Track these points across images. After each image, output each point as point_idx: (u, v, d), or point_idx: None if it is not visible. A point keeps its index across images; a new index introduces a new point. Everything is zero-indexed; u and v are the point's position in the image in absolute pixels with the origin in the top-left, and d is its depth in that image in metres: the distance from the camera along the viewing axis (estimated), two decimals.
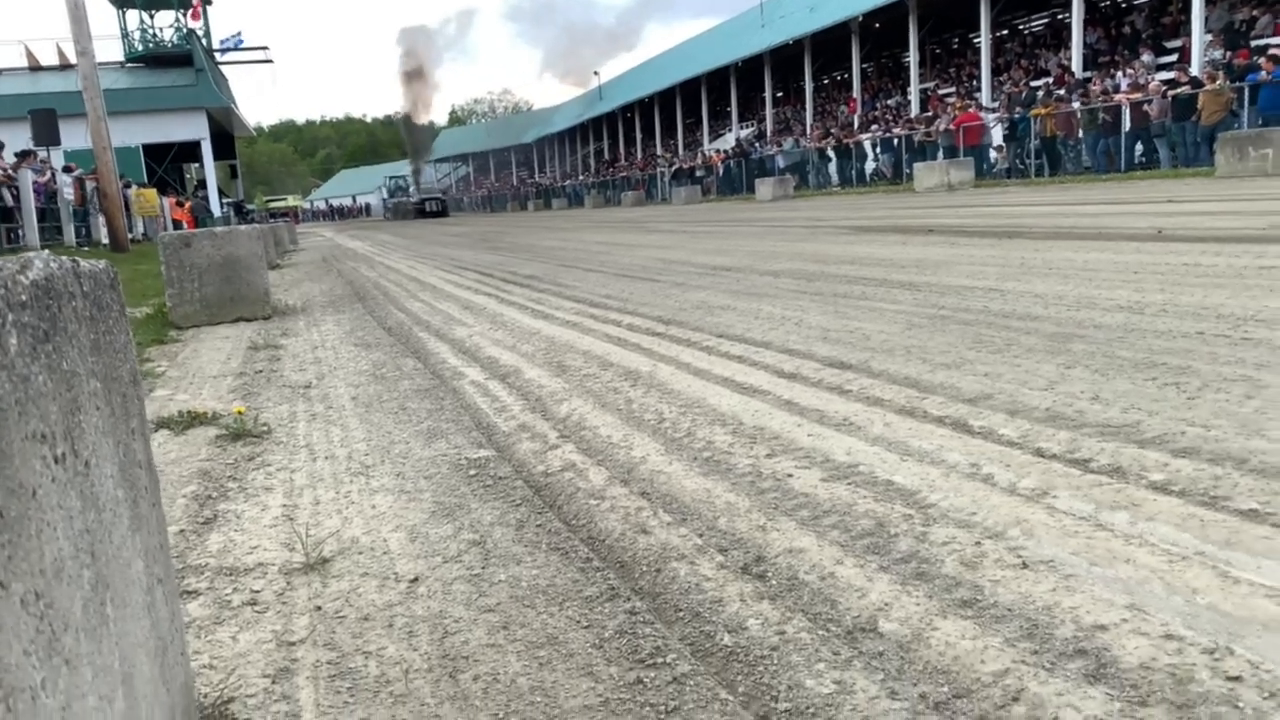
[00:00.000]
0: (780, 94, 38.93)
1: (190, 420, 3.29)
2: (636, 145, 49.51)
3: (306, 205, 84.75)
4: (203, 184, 39.60)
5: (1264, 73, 15.11)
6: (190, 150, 38.25)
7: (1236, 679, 1.14)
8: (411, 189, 60.54)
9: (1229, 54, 17.33)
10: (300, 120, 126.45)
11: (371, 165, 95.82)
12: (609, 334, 4.48)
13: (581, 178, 51.27)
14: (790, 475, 2.12)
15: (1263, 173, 11.99)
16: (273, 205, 67.58)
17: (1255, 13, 20.19)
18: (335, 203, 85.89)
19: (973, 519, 1.74)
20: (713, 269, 7.20)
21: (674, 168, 37.70)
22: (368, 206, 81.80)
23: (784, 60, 34.43)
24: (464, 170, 77.51)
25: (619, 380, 3.38)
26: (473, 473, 2.51)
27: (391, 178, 66.54)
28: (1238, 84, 15.23)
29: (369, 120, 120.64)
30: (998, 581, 1.48)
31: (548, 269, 8.78)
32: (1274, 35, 18.46)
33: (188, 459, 2.83)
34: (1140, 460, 1.93)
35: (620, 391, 3.20)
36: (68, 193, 17.92)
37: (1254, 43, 18.19)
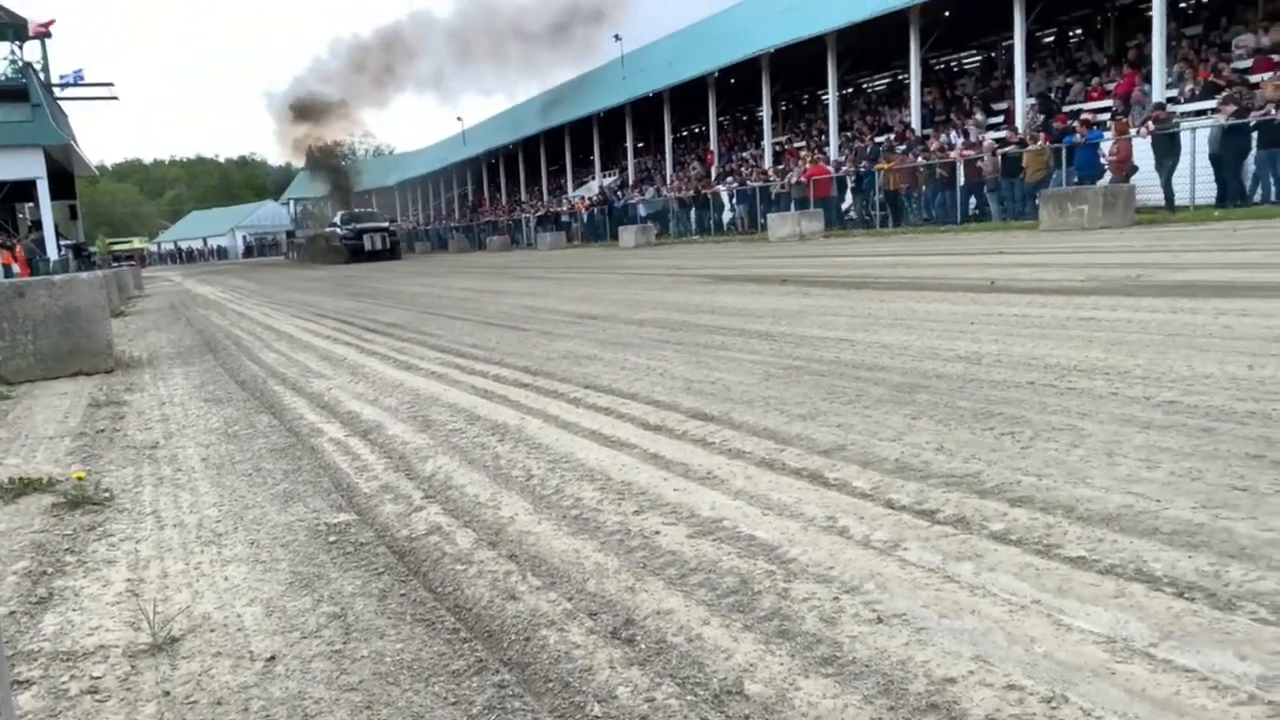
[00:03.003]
0: (641, 144, 39.78)
1: (22, 487, 3.05)
2: (501, 190, 49.45)
3: (153, 248, 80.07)
4: (38, 225, 36.87)
5: (1078, 135, 16.55)
6: (24, 190, 35.60)
7: None
8: (337, 218, 37.74)
9: (1046, 118, 18.90)
10: (148, 159, 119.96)
11: (225, 206, 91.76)
12: (475, 385, 4.44)
13: (446, 222, 50.64)
14: (658, 532, 2.15)
15: (1080, 227, 13.07)
16: (116, 248, 63.08)
17: (1069, 81, 22.14)
18: (185, 245, 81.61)
19: (831, 573, 1.81)
20: (579, 317, 7.25)
21: (539, 213, 37.86)
22: (220, 249, 78.04)
23: (645, 111, 35.27)
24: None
25: (486, 435, 3.36)
26: (332, 539, 2.42)
27: (299, 200, 50.61)
28: (1056, 145, 16.61)
29: (222, 160, 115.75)
30: (855, 637, 1.54)
31: (411, 316, 8.63)
32: (1085, 101, 20.27)
33: (19, 531, 2.62)
34: (981, 510, 2.07)
35: (487, 447, 3.17)
36: None
37: (1068, 108, 19.91)
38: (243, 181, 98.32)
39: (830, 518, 2.12)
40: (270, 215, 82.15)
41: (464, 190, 53.57)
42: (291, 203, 49.96)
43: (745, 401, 3.48)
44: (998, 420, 2.84)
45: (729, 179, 28.65)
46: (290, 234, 48.52)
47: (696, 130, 37.09)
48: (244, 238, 79.80)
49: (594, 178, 40.38)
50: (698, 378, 4.08)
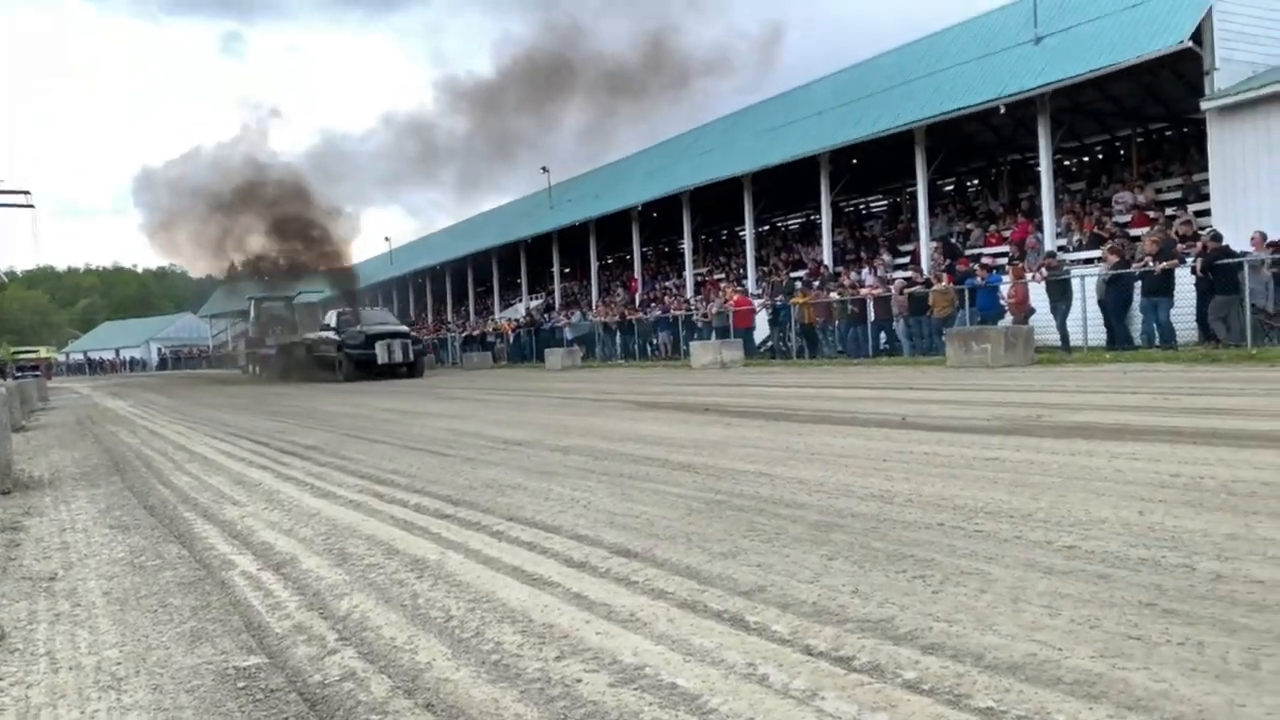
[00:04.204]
0: (568, 269, 40.62)
1: None
2: (427, 309, 49.55)
3: (61, 358, 76.95)
4: None
5: (979, 278, 17.54)
6: None
7: None
8: (330, 319, 28.11)
9: (949, 260, 20.03)
10: (61, 267, 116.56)
11: (140, 318, 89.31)
12: (395, 516, 4.38)
13: None
14: (579, 680, 2.15)
15: (984, 365, 13.71)
16: (21, 357, 60.30)
17: (969, 226, 23.61)
18: (95, 356, 78.80)
19: None
20: (504, 443, 7.23)
21: (465, 334, 37.90)
22: (133, 361, 75.47)
23: (571, 239, 36.17)
24: (242, 326, 73.14)
25: (405, 571, 3.31)
26: (241, 684, 2.34)
27: (264, 299, 36.86)
28: (959, 286, 17.55)
29: (140, 270, 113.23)
30: None
31: (331, 439, 8.48)
32: (985, 246, 21.59)
33: None
34: (895, 658, 2.13)
35: (406, 584, 3.13)
36: None
37: (970, 251, 21.17)
38: (161, 293, 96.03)
39: (750, 664, 2.16)
40: (188, 328, 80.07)
41: (389, 308, 53.44)
42: (252, 302, 38.03)
43: (668, 537, 3.52)
44: (910, 563, 2.94)
45: (652, 305, 29.33)
46: (251, 340, 36.88)
47: (623, 258, 38.07)
48: (159, 350, 77.49)
49: (521, 300, 40.86)
50: (622, 511, 4.11)
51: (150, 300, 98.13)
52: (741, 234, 30.33)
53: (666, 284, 33.62)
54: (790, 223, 33.30)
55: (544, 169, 37.37)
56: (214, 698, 2.26)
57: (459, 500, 4.67)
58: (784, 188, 27.31)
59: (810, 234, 30.09)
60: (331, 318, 27.45)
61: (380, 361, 24.24)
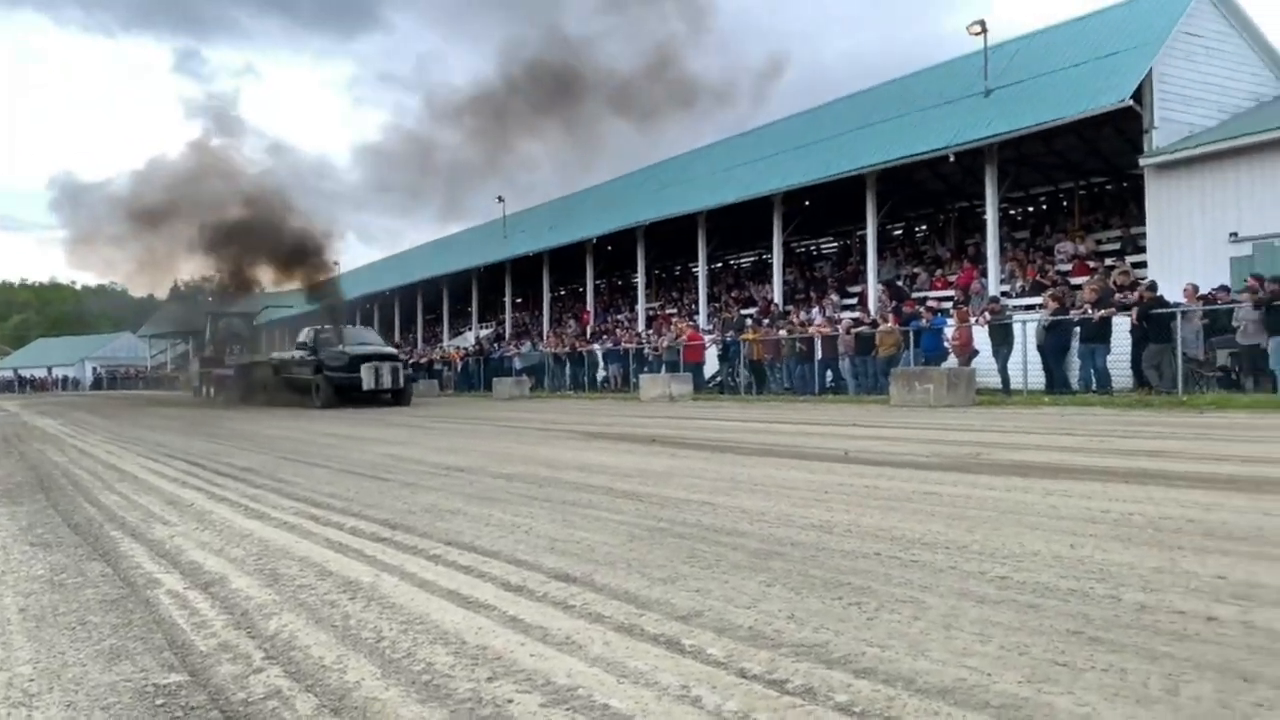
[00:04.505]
0: (520, 299, 40.54)
1: None
2: None
3: None
4: None
5: (924, 320, 17.90)
6: None
7: None
8: (305, 336, 24.58)
9: (896, 302, 20.43)
10: None
11: (77, 335, 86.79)
12: (330, 538, 4.29)
13: None
14: (510, 700, 2.12)
15: (926, 404, 13.95)
16: None
17: (916, 270, 24.12)
18: (27, 374, 76.31)
19: None
20: (446, 469, 7.15)
21: (412, 360, 37.54)
22: (67, 380, 73.24)
23: (524, 269, 36.16)
24: (183, 347, 71.21)
25: (337, 592, 3.24)
26: (160, 701, 2.27)
27: (223, 315, 34.15)
28: (905, 328, 17.89)
29: (78, 287, 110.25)
30: None
31: (268, 461, 8.30)
32: (930, 289, 22.06)
33: None
34: (828, 681, 2.14)
35: (338, 605, 3.06)
36: None
37: (916, 294, 21.61)
38: (100, 311, 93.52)
39: (684, 686, 2.14)
40: (126, 347, 78.01)
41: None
42: (209, 317, 34.28)
43: (609, 563, 3.50)
44: (846, 590, 2.96)
45: (604, 338, 29.35)
46: (206, 360, 33.28)
47: (575, 289, 38.12)
48: (94, 369, 75.36)
49: (470, 328, 40.63)
50: (563, 537, 4.08)
51: (86, 319, 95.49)
52: (695, 270, 30.61)
53: (619, 317, 33.73)
54: (743, 261, 33.72)
55: (499, 198, 37.42)
56: (130, 715, 2.18)
57: (396, 524, 4.60)
58: (738, 226, 27.69)
59: (762, 272, 30.48)
60: (307, 335, 24.27)
61: (365, 387, 21.63)
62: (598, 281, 34.87)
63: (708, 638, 2.51)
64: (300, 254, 27.65)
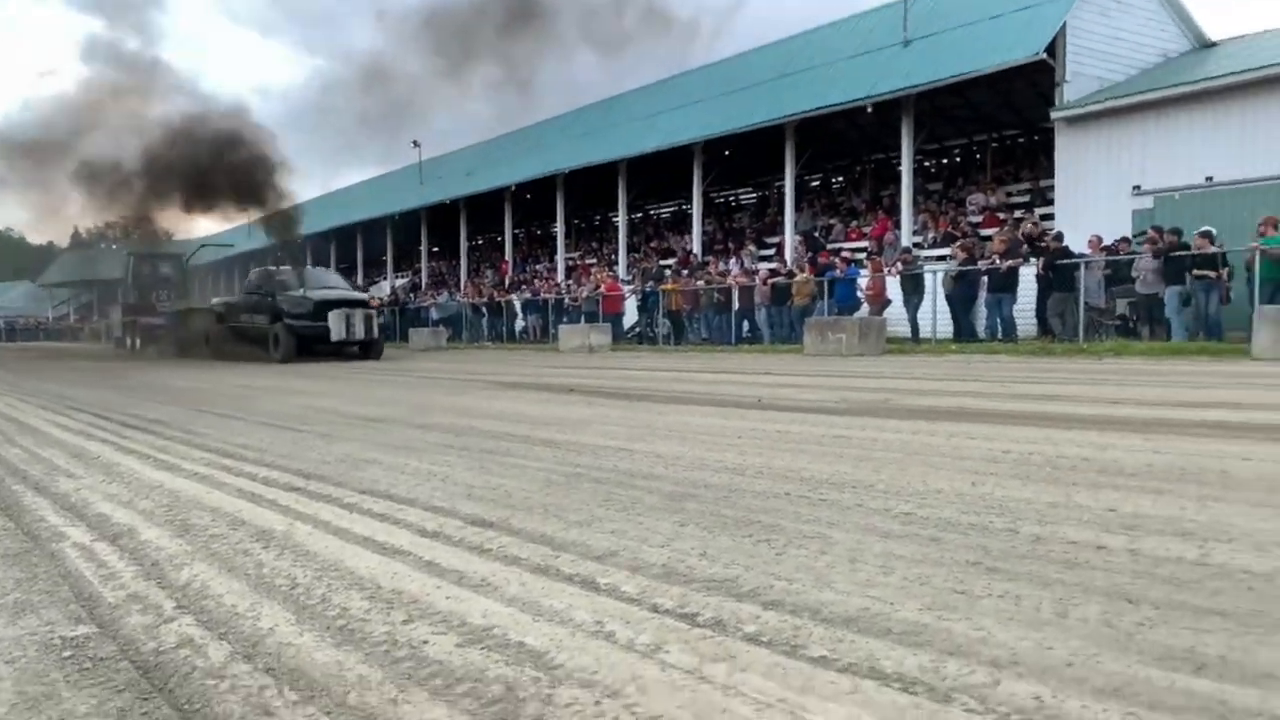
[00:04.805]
0: (436, 249, 39.78)
1: None
2: None
3: None
4: None
5: (838, 271, 18.24)
6: None
7: None
8: (254, 277, 22.32)
9: (812, 253, 20.75)
10: None
11: None
12: (242, 489, 4.20)
13: None
14: (426, 641, 2.13)
15: (838, 353, 14.30)
16: None
17: (832, 221, 24.48)
18: None
19: (595, 678, 1.87)
20: (362, 420, 7.05)
21: None
22: None
23: (442, 216, 35.42)
24: (86, 298, 67.65)
25: (250, 541, 3.19)
26: (67, 654, 2.21)
27: (149, 256, 30.86)
28: (819, 278, 18.21)
29: None
30: None
31: (178, 413, 8.04)
32: (845, 241, 22.44)
33: None
34: (737, 614, 2.21)
35: (250, 554, 3.01)
36: None
37: (831, 245, 21.97)
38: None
39: (599, 622, 2.19)
40: (25, 297, 73.85)
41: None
42: (131, 259, 30.23)
43: (525, 508, 3.53)
44: (756, 528, 3.05)
45: (523, 289, 29.09)
46: (130, 308, 29.69)
47: (494, 239, 37.57)
48: None
49: (386, 278, 39.76)
50: (480, 484, 4.09)
51: None
52: (615, 220, 30.46)
53: (538, 267, 33.43)
54: (663, 211, 33.68)
55: (415, 143, 36.42)
56: (36, 668, 2.12)
57: (311, 474, 4.53)
58: (658, 175, 27.59)
59: (681, 223, 30.52)
60: (258, 277, 21.45)
61: (335, 337, 18.98)
62: (516, 231, 34.44)
63: (622, 576, 2.56)
64: (252, 182, 23.85)
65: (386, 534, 3.20)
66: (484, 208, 33.25)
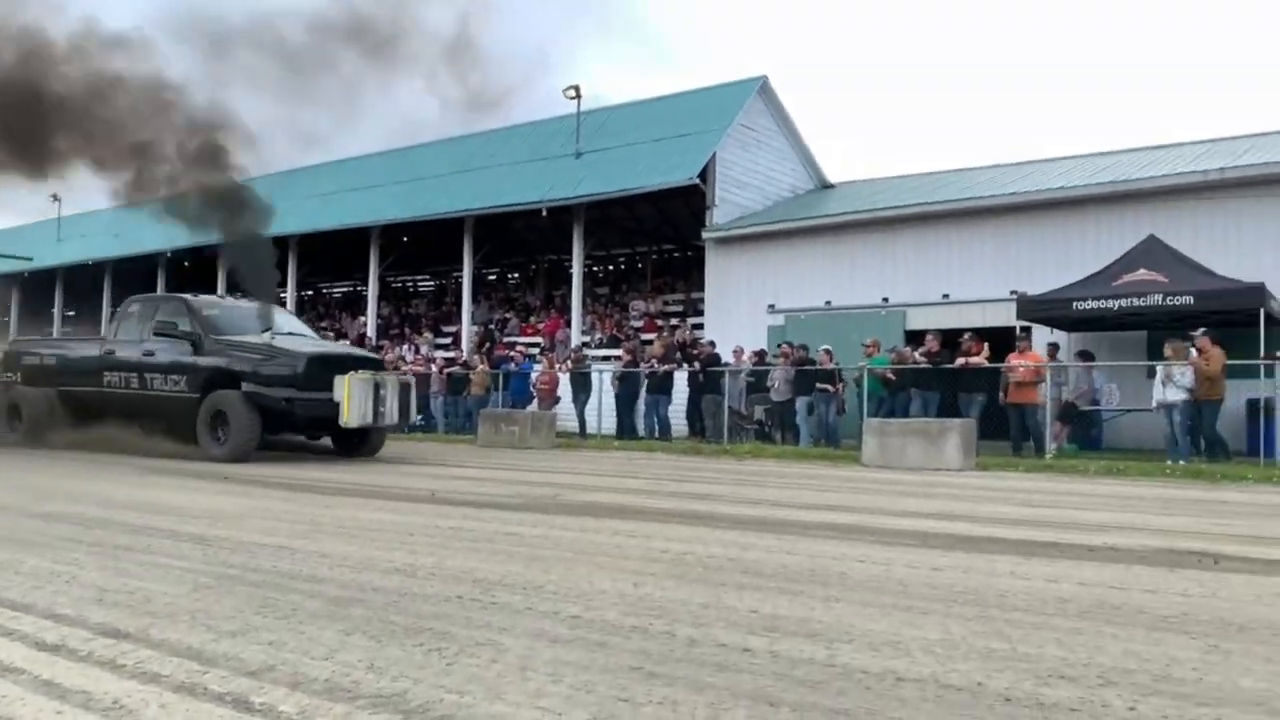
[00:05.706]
0: (72, 312, 35.04)
1: None
2: None
3: None
4: None
5: (514, 364, 18.63)
6: None
7: None
8: (198, 318, 11.74)
9: (489, 345, 21.06)
10: None
11: None
12: None
13: None
14: None
15: (511, 445, 14.52)
16: None
17: (508, 315, 25.06)
18: None
19: None
20: None
21: None
22: None
23: (82, 279, 31.34)
24: None
25: None
26: None
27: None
28: (495, 370, 18.47)
29: None
30: None
31: None
32: (520, 335, 23.04)
33: None
34: None
35: None
36: None
37: (507, 339, 22.44)
38: None
39: None
40: None
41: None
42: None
43: (168, 615, 3.21)
44: (427, 635, 3.01)
45: None
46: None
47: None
48: None
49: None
50: (114, 586, 3.65)
51: None
52: (283, 296, 28.78)
53: None
54: (335, 290, 32.49)
55: (54, 197, 31.96)
56: None
57: None
58: (332, 255, 26.67)
59: (355, 304, 29.59)
60: (180, 311, 12.24)
61: (352, 420, 10.98)
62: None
63: (280, 694, 2.41)
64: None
65: None
66: (134, 272, 29.81)
